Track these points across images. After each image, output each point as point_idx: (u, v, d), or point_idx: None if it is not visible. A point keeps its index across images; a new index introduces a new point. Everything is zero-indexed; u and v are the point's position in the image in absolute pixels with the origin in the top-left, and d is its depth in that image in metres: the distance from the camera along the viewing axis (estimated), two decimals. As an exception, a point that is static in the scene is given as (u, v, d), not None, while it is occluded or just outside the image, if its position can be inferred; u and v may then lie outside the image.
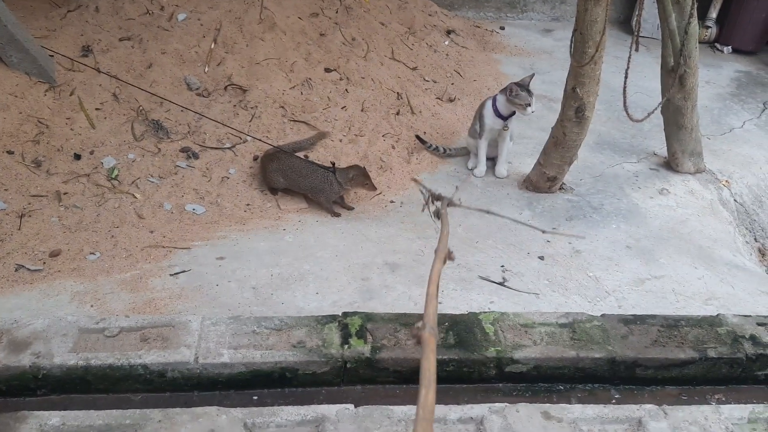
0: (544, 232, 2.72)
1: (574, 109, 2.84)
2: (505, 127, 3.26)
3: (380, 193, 3.25)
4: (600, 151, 3.67)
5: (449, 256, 1.92)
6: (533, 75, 3.28)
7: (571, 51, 2.74)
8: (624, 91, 2.82)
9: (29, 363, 1.94)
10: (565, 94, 2.89)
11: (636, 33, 2.76)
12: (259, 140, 3.16)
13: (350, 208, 3.11)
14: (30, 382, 1.96)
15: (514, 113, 3.23)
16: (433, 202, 2.76)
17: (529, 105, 3.12)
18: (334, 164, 3.02)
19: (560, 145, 2.99)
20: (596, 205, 3.19)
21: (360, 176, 3.00)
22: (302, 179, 3.03)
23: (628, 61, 2.75)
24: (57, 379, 1.96)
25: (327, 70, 3.92)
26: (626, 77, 2.77)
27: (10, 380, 1.95)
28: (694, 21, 2.96)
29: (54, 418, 1.77)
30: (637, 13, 5.18)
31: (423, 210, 2.95)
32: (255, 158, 3.23)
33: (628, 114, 2.86)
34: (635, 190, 3.35)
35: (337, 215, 3.05)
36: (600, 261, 2.81)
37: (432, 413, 1.02)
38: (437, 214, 2.59)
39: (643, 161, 3.63)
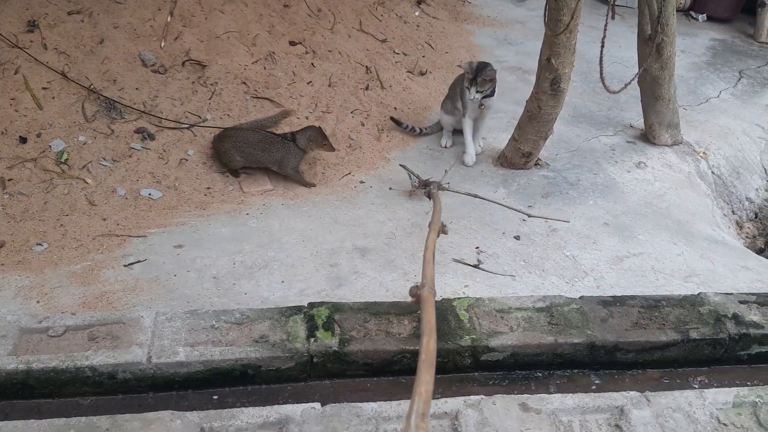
0: (529, 216, 2.63)
1: (549, 81, 2.71)
2: (480, 105, 3.09)
3: (349, 173, 3.10)
4: (576, 124, 3.56)
5: (443, 229, 1.99)
6: (487, 66, 3.00)
7: (545, 20, 2.60)
8: (600, 61, 2.70)
9: (-37, 369, 1.78)
10: (539, 66, 2.76)
11: (612, 2, 2.63)
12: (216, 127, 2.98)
13: (311, 185, 2.96)
14: (-34, 389, 1.80)
15: (491, 93, 3.06)
16: (423, 187, 2.72)
17: (468, 90, 2.97)
18: (292, 133, 2.91)
19: (535, 120, 2.87)
20: (572, 180, 3.09)
21: (317, 136, 2.90)
22: (261, 153, 2.89)
23: (605, 30, 2.62)
24: (-4, 385, 1.81)
25: (292, 43, 3.73)
26: (602, 47, 2.64)
27: (-57, 388, 1.78)
28: (672, -13, 2.84)
29: (-10, 430, 1.61)
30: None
31: (410, 196, 2.87)
32: None
33: (604, 85, 2.74)
34: (612, 164, 3.26)
35: (312, 185, 2.96)
36: (577, 239, 2.71)
37: (434, 356, 1.27)
38: (429, 195, 2.59)
39: (620, 134, 3.53)
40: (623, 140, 3.47)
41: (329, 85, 3.55)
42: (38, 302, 2.19)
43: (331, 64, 3.68)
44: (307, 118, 3.33)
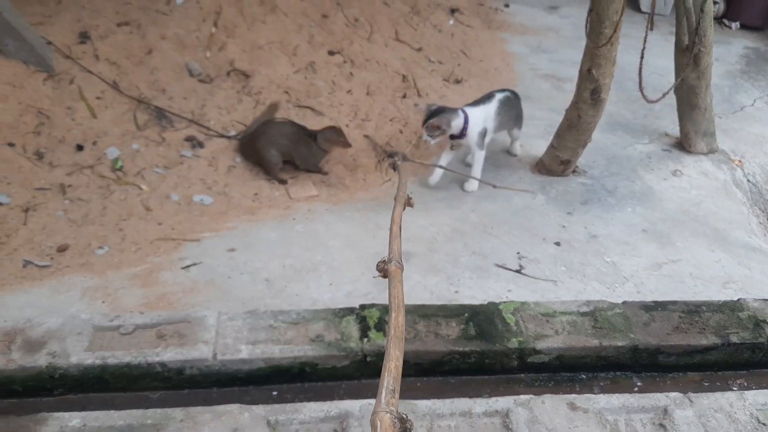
0: (495, 186, 2.75)
1: (590, 91, 2.78)
2: (451, 146, 3.01)
3: (389, 180, 3.19)
4: (612, 132, 3.62)
5: (409, 202, 2.03)
6: (443, 112, 2.87)
7: (586, 31, 2.67)
8: (639, 72, 2.76)
9: (45, 363, 1.90)
10: (580, 76, 2.83)
11: (651, 12, 2.68)
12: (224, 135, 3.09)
13: (325, 173, 3.15)
14: (46, 382, 1.92)
15: (456, 136, 2.94)
16: (388, 157, 2.79)
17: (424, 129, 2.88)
18: (315, 132, 3.06)
19: (575, 128, 2.94)
20: (610, 188, 3.15)
21: (333, 135, 3.02)
22: (293, 145, 3.04)
23: (644, 41, 2.67)
24: (74, 378, 1.93)
25: (330, 52, 3.84)
26: (642, 58, 2.70)
27: (26, 381, 1.91)
28: (710, -1, 2.89)
29: (75, 419, 1.73)
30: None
31: (376, 168, 2.92)
32: None
33: (643, 95, 2.80)
34: (648, 171, 3.31)
35: (325, 173, 3.15)
36: (617, 245, 2.77)
37: (402, 332, 1.25)
38: (394, 167, 2.63)
39: (656, 142, 3.58)
40: (659, 148, 3.52)
41: (367, 94, 3.65)
42: (103, 302, 2.31)
43: (369, 73, 3.77)
44: (347, 125, 3.42)
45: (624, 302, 2.30)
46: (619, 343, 2.13)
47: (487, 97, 3.06)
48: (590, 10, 2.60)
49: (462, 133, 2.91)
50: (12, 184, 2.75)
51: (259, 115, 3.23)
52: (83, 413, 1.77)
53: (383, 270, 1.50)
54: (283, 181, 3.05)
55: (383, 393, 1.10)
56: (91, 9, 3.63)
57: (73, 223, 2.65)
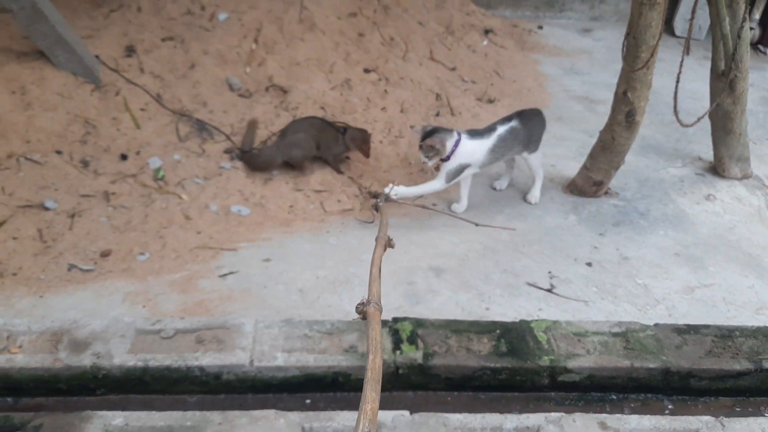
0: (477, 225, 2.68)
1: (625, 114, 2.80)
2: (436, 167, 2.96)
3: (422, 196, 3.23)
4: (644, 155, 3.62)
5: (389, 243, 2.04)
6: (436, 132, 2.85)
7: (623, 55, 2.70)
8: (675, 96, 2.77)
9: (90, 363, 1.97)
10: (615, 98, 2.85)
11: (688, 37, 2.71)
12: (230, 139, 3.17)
13: (341, 173, 3.26)
14: (90, 381, 1.99)
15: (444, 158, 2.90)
16: (372, 198, 2.82)
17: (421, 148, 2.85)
18: (346, 127, 3.22)
19: (608, 150, 2.96)
20: (643, 210, 3.15)
21: (360, 136, 3.20)
22: (324, 136, 3.17)
23: (680, 66, 2.70)
24: (116, 379, 1.99)
25: (366, 70, 3.92)
26: (677, 82, 2.72)
27: (71, 380, 1.98)
28: (747, 25, 2.90)
29: (117, 418, 1.79)
30: (678, 13, 5.10)
31: (361, 209, 2.95)
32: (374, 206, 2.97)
33: (678, 119, 2.81)
34: (681, 195, 3.30)
35: (341, 173, 3.26)
36: (648, 268, 2.77)
37: (379, 374, 1.27)
38: (376, 208, 2.65)
39: (689, 166, 3.57)
40: (692, 172, 3.51)
41: (401, 111, 3.71)
42: (144, 307, 2.39)
43: (403, 90, 3.84)
44: (381, 142, 3.49)
45: (656, 324, 2.30)
46: (651, 365, 2.13)
47: (488, 130, 2.93)
48: (627, 34, 2.63)
49: (449, 156, 2.86)
50: (59, 190, 2.86)
51: (245, 133, 3.28)
52: (125, 413, 1.83)
53: (362, 312, 1.54)
54: (301, 167, 3.19)
55: None
56: (137, 24, 3.78)
57: (116, 229, 2.74)
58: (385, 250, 2.01)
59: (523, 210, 3.08)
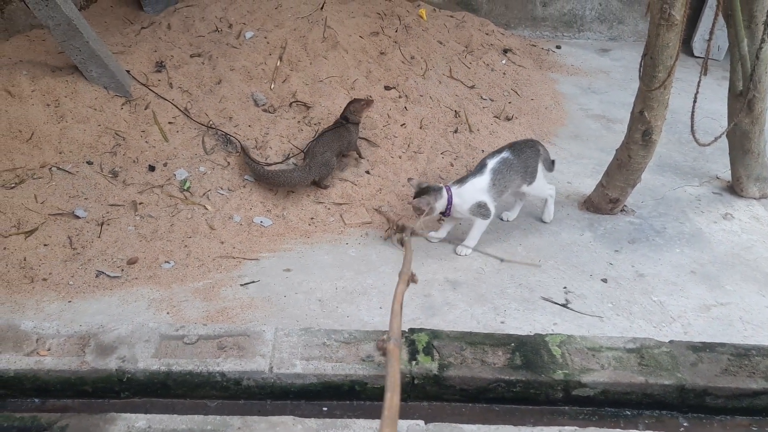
0: (502, 260, 2.70)
1: (641, 133, 2.83)
2: (440, 219, 2.99)
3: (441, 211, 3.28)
4: (661, 173, 3.64)
5: (412, 278, 2.02)
6: (428, 191, 2.84)
7: (640, 74, 2.74)
8: (692, 116, 2.81)
9: (115, 367, 2.04)
10: (631, 117, 2.89)
11: (706, 57, 2.74)
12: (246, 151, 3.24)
13: (362, 158, 3.46)
14: (115, 384, 2.06)
15: (443, 213, 2.91)
16: (398, 232, 2.81)
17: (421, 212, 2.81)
18: (342, 116, 3.36)
19: (624, 168, 2.99)
20: (659, 228, 3.17)
21: (356, 104, 3.36)
22: (342, 141, 3.29)
23: (698, 85, 2.73)
24: (140, 382, 2.06)
25: (387, 87, 4.00)
26: (695, 102, 2.76)
27: (96, 382, 2.05)
28: (765, 46, 2.92)
29: (141, 420, 1.85)
30: (697, 33, 5.12)
31: (386, 239, 2.97)
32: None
33: (695, 139, 2.84)
34: (698, 214, 3.31)
35: (362, 157, 3.48)
36: (664, 285, 2.78)
37: (396, 413, 1.21)
38: (401, 242, 2.62)
39: (706, 185, 3.58)
40: (709, 191, 3.52)
41: (420, 128, 3.78)
42: (168, 313, 2.47)
43: (423, 107, 3.91)
44: (399, 157, 3.56)
45: (671, 341, 2.31)
46: (666, 382, 2.14)
47: (479, 168, 2.91)
48: (644, 54, 2.68)
49: (446, 212, 2.87)
50: (89, 199, 2.97)
51: (243, 156, 3.26)
52: (148, 416, 1.90)
53: (383, 349, 1.52)
54: (325, 186, 3.28)
55: None
56: (166, 40, 3.91)
57: (143, 238, 2.83)
58: (408, 285, 2.02)
59: (539, 226, 3.11)
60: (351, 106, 3.38)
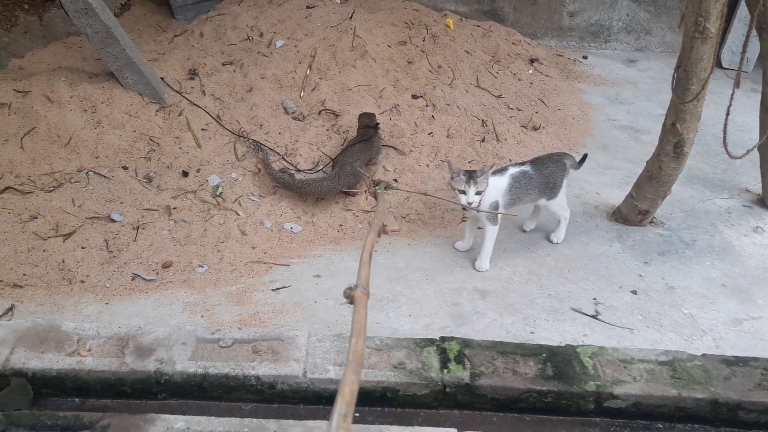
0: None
1: (673, 144, 2.83)
2: (464, 217, 2.82)
3: (465, 219, 3.30)
4: (690, 185, 3.62)
5: (384, 230, 2.03)
6: (491, 166, 2.79)
7: (672, 86, 2.74)
8: (725, 127, 2.80)
9: (154, 368, 2.08)
10: (663, 129, 2.89)
11: (739, 70, 2.73)
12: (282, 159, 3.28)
13: (354, 194, 3.37)
14: (153, 386, 2.10)
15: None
16: (373, 185, 2.85)
17: (464, 193, 2.67)
18: (364, 126, 3.44)
19: (655, 179, 2.98)
20: (688, 240, 3.15)
21: (366, 118, 3.48)
22: (372, 150, 3.38)
23: (731, 98, 2.72)
24: (177, 384, 2.10)
25: (414, 96, 4.03)
26: (728, 114, 2.75)
27: (135, 383, 2.09)
28: (799, 59, 2.91)
29: (179, 422, 1.89)
30: (726, 45, 5.09)
31: (366, 196, 3.00)
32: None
33: (727, 151, 2.83)
34: (728, 227, 3.29)
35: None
36: (694, 298, 2.77)
37: (362, 357, 1.25)
38: (375, 195, 2.64)
39: (736, 198, 3.55)
40: (739, 204, 3.49)
41: (448, 136, 3.80)
42: (202, 317, 2.51)
43: (450, 116, 3.94)
44: (427, 165, 3.58)
45: (704, 355, 2.30)
46: (699, 395, 2.13)
47: (500, 171, 2.86)
48: (678, 66, 2.68)
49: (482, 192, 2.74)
50: (124, 203, 3.03)
51: (268, 170, 3.28)
52: (187, 417, 1.93)
53: (350, 296, 1.54)
54: (354, 194, 3.34)
55: (335, 417, 1.11)
56: (199, 48, 3.99)
57: (177, 242, 2.89)
58: (379, 236, 1.99)
59: (568, 236, 3.11)
60: (361, 118, 3.50)
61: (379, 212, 2.18)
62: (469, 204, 2.69)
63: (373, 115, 3.52)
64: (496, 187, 2.81)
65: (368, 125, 3.43)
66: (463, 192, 2.68)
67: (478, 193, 2.68)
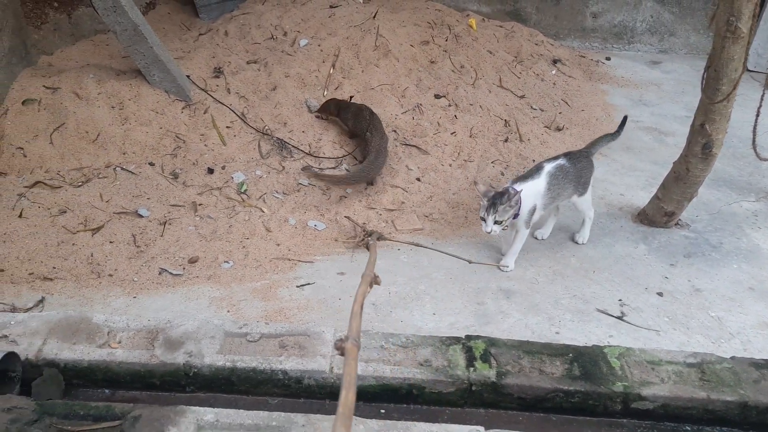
0: (470, 262, 2.65)
1: (701, 146, 2.80)
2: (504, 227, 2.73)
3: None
4: (716, 188, 3.59)
5: (375, 280, 2.03)
6: (515, 194, 2.65)
7: (702, 87, 2.72)
8: (754, 129, 2.77)
9: (183, 361, 2.10)
10: (691, 130, 2.86)
11: (769, 71, 2.71)
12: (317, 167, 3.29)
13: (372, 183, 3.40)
14: (181, 378, 2.12)
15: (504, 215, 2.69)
16: (366, 236, 2.85)
17: (483, 221, 2.68)
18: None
19: (682, 181, 2.96)
20: (715, 243, 3.12)
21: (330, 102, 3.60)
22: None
23: (761, 100, 2.70)
24: (205, 377, 2.12)
25: (437, 96, 4.04)
26: (758, 115, 2.72)
27: (164, 376, 2.12)
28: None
29: (209, 414, 1.91)
30: (750, 46, 5.02)
31: (357, 244, 2.98)
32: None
33: (756, 153, 2.80)
34: (755, 230, 3.25)
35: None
36: (722, 301, 2.74)
37: (351, 410, 1.24)
38: (367, 246, 2.64)
39: (763, 200, 3.51)
40: (766, 207, 3.45)
41: (470, 136, 3.80)
42: (228, 311, 2.53)
43: (473, 116, 3.94)
44: (450, 165, 3.58)
45: (733, 357, 2.28)
46: (728, 398, 2.11)
47: (536, 170, 2.82)
48: (708, 67, 2.65)
49: (517, 213, 2.73)
50: (151, 199, 3.07)
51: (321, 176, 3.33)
52: (216, 409, 1.95)
53: (341, 348, 1.55)
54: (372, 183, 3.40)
55: None
56: (224, 47, 4.02)
57: (203, 238, 2.91)
58: (370, 287, 1.99)
59: (592, 237, 3.10)
60: (329, 105, 3.61)
61: (371, 262, 2.16)
62: (488, 233, 2.69)
63: (336, 99, 3.62)
64: (534, 191, 2.76)
65: (341, 107, 3.54)
66: (483, 219, 2.69)
67: (497, 222, 2.66)
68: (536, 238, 3.14)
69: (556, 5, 5.35)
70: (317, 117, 3.63)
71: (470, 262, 2.59)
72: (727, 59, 2.54)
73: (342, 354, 1.54)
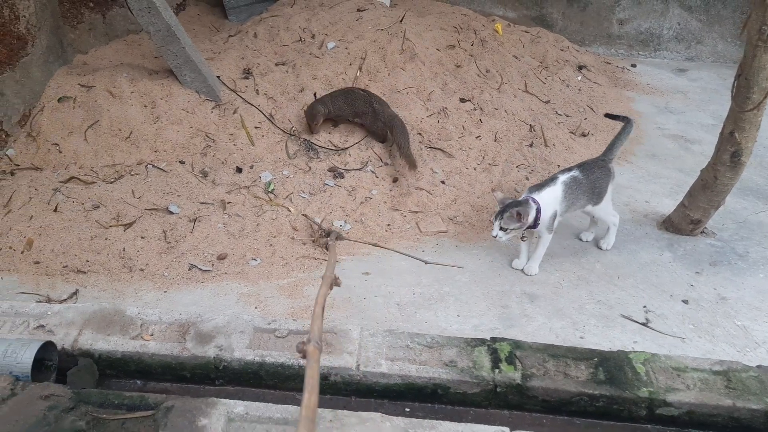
0: (426, 263, 2.63)
1: (730, 154, 2.80)
2: (523, 236, 2.91)
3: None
4: (742, 196, 3.56)
5: (336, 282, 2.02)
6: (511, 203, 2.74)
7: (732, 95, 2.71)
8: (784, 138, 2.75)
9: (213, 354, 2.15)
10: (720, 138, 2.85)
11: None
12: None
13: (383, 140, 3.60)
14: (211, 371, 2.17)
15: (530, 226, 2.80)
16: (325, 236, 2.85)
17: (492, 224, 2.78)
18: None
19: (709, 189, 2.95)
20: (741, 252, 3.10)
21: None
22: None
23: (792, 108, 2.68)
24: (234, 371, 2.16)
25: (462, 100, 4.06)
26: (788, 124, 2.71)
27: (195, 368, 2.17)
28: None
29: (239, 406, 1.95)
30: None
31: (316, 242, 2.99)
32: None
33: (786, 162, 2.78)
34: (783, 239, 3.23)
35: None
36: (748, 310, 2.73)
37: (314, 413, 1.21)
38: (326, 246, 2.63)
39: (790, 210, 3.49)
40: (794, 217, 3.43)
41: (495, 140, 3.82)
42: (256, 308, 2.58)
43: (498, 121, 3.95)
44: (474, 169, 3.60)
45: (759, 366, 2.27)
46: (754, 406, 2.11)
47: (551, 180, 2.88)
48: (738, 75, 2.65)
49: (535, 223, 2.78)
50: (181, 196, 3.13)
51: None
52: (245, 402, 1.99)
53: (302, 351, 1.53)
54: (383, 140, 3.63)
55: None
56: (253, 49, 4.08)
57: (231, 235, 2.97)
58: (330, 289, 1.99)
59: (617, 244, 3.10)
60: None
61: (331, 264, 2.17)
62: (494, 237, 2.77)
63: (314, 102, 3.60)
64: (552, 198, 2.81)
65: (325, 102, 3.54)
66: (492, 223, 2.78)
67: (503, 229, 2.73)
68: (581, 239, 3.18)
69: (583, 11, 5.35)
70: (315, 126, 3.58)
71: (426, 263, 2.62)
72: (758, 68, 2.54)
73: (304, 357, 1.52)
